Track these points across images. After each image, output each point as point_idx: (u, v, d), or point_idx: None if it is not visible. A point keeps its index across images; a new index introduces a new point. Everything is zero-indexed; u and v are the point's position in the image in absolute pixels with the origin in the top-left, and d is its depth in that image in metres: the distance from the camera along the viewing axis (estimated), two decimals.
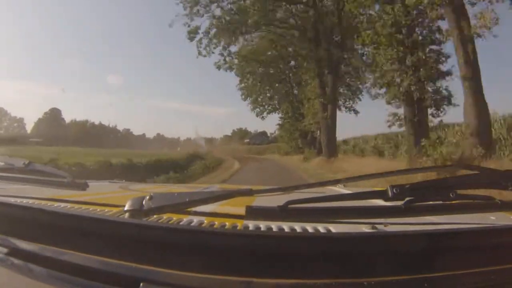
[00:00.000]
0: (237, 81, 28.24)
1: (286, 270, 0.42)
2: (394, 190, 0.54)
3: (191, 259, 0.43)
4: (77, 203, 0.87)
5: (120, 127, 53.12)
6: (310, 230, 0.65)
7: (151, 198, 0.56)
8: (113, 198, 1.02)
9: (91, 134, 40.00)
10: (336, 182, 0.71)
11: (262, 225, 0.69)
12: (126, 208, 0.56)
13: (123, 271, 0.43)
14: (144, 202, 0.55)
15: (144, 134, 52.07)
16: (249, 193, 0.61)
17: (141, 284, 0.41)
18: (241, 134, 52.93)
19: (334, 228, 0.65)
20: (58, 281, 0.43)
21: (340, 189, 1.29)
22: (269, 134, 47.62)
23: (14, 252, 0.49)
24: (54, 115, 43.48)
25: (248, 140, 48.14)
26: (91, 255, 0.45)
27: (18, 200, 0.72)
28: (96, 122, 47.54)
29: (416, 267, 0.43)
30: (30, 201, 0.83)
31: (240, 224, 0.70)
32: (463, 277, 0.43)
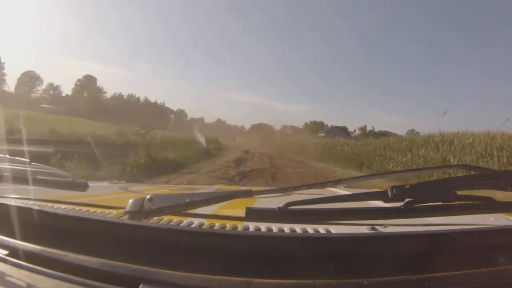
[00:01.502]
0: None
1: (286, 270, 0.42)
2: (394, 191, 0.53)
3: (191, 260, 0.43)
4: (78, 205, 0.87)
5: (186, 112, 47.39)
6: (310, 231, 0.65)
7: (151, 199, 0.55)
8: (114, 200, 1.02)
9: (129, 109, 34.86)
10: (336, 183, 0.71)
11: (263, 226, 0.69)
12: (126, 210, 0.56)
13: (124, 272, 0.43)
14: (144, 204, 0.55)
15: (202, 118, 46.87)
16: (249, 194, 0.61)
17: (141, 285, 0.41)
18: (314, 127, 40.74)
19: (334, 229, 0.65)
20: (59, 281, 0.44)
21: (340, 190, 1.28)
22: (350, 131, 36.33)
23: (15, 252, 0.49)
24: (88, 82, 40.21)
25: (323, 134, 34.04)
26: (92, 257, 0.45)
27: (19, 202, 0.72)
28: (142, 98, 42.64)
29: (416, 267, 0.43)
30: (31, 202, 0.83)
31: (240, 225, 0.70)
32: (462, 277, 0.43)
